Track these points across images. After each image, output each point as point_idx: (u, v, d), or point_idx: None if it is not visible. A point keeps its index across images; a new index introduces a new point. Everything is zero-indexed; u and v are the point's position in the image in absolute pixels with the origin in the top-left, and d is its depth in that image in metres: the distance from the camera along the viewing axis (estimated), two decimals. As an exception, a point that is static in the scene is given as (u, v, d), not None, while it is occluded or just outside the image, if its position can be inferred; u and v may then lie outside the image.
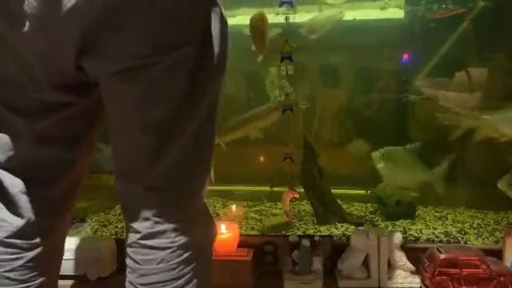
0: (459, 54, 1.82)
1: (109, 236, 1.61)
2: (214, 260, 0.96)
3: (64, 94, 0.74)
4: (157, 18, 0.65)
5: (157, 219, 0.73)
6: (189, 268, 0.74)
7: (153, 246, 0.73)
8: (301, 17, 1.83)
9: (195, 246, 0.75)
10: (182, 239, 0.73)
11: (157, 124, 0.70)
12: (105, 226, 1.71)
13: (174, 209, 0.74)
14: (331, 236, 1.48)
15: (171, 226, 0.73)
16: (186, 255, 0.74)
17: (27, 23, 0.63)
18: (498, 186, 1.50)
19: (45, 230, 0.81)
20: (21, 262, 0.78)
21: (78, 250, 1.35)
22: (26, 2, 0.61)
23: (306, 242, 1.30)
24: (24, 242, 0.78)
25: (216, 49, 0.71)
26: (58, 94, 0.73)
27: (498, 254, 1.32)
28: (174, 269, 0.73)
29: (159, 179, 0.73)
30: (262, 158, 1.93)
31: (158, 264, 0.72)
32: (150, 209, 0.73)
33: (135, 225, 0.75)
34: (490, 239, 1.53)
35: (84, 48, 0.66)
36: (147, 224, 0.73)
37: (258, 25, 1.40)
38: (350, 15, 1.89)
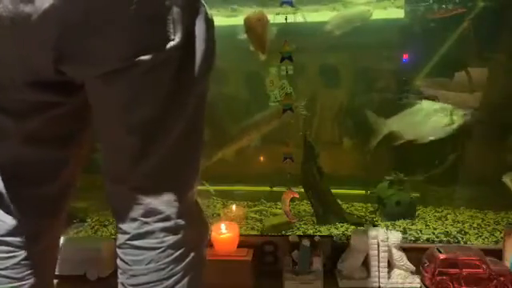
0: (459, 53, 1.82)
1: (109, 236, 1.61)
2: (214, 260, 0.96)
3: (46, 95, 0.73)
4: (139, 19, 0.65)
5: (145, 220, 0.73)
6: (178, 268, 0.73)
7: (142, 247, 0.73)
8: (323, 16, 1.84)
9: (185, 245, 0.75)
10: (170, 239, 0.73)
11: (143, 124, 0.70)
12: (105, 225, 1.72)
13: (161, 209, 0.73)
14: (331, 236, 1.48)
15: (159, 226, 0.73)
16: (175, 255, 0.73)
17: (2, 25, 0.63)
18: (503, 180, 1.51)
19: (39, 229, 0.81)
20: (15, 261, 0.78)
21: (78, 250, 1.35)
22: (1, 5, 0.61)
23: (306, 242, 1.30)
24: (18, 240, 0.79)
25: (201, 48, 0.71)
26: (39, 94, 0.73)
27: (498, 254, 1.32)
28: (163, 269, 0.72)
29: (146, 179, 0.73)
30: (261, 158, 1.93)
31: (147, 264, 0.72)
32: (138, 209, 0.73)
33: (124, 226, 0.75)
34: (490, 239, 1.54)
35: (65, 52, 0.65)
36: (135, 225, 0.74)
37: (254, 25, 1.40)
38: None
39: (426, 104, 1.70)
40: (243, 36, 1.43)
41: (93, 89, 0.72)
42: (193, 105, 0.73)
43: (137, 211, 0.73)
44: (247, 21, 1.40)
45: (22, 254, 0.79)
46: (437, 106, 1.69)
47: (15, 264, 0.78)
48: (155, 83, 0.69)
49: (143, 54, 0.66)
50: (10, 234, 0.78)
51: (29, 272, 0.80)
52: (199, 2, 0.72)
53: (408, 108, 1.72)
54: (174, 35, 0.67)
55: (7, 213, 0.78)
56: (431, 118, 1.68)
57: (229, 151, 1.77)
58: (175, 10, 0.67)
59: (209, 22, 0.73)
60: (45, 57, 0.66)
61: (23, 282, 0.79)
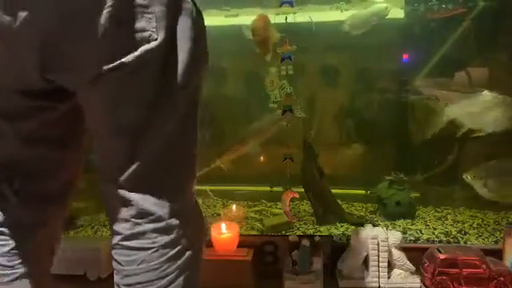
0: (459, 53, 1.82)
1: (109, 236, 1.61)
2: (214, 260, 0.96)
3: (36, 101, 0.74)
4: (116, 21, 0.64)
5: (136, 220, 0.73)
6: (172, 268, 0.73)
7: (134, 247, 0.73)
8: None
9: (179, 245, 0.74)
10: (162, 239, 0.73)
11: (130, 126, 0.70)
12: (105, 225, 1.71)
13: (152, 210, 0.73)
14: (331, 236, 1.48)
15: (150, 227, 0.73)
16: (168, 255, 0.73)
17: None
18: (463, 177, 1.51)
19: (34, 223, 0.82)
20: (6, 249, 0.80)
21: (78, 250, 1.35)
22: None
23: (306, 242, 1.30)
24: (12, 231, 0.80)
25: (186, 47, 0.70)
26: (28, 101, 0.74)
27: (498, 254, 1.32)
28: (156, 269, 0.72)
29: (136, 180, 0.73)
30: (262, 158, 1.93)
31: (139, 265, 0.72)
32: (129, 210, 0.73)
33: (117, 226, 0.75)
34: (490, 239, 1.54)
35: (48, 60, 0.66)
36: (127, 225, 0.73)
37: (257, 27, 1.40)
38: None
39: (486, 95, 1.64)
40: (243, 36, 1.43)
41: (81, 93, 0.72)
42: (183, 105, 0.72)
43: (128, 212, 0.73)
44: (252, 24, 1.41)
45: (14, 243, 0.80)
46: (499, 97, 1.63)
47: (7, 252, 0.80)
48: (140, 84, 0.68)
49: (125, 56, 0.65)
50: (4, 224, 0.80)
51: (20, 261, 0.80)
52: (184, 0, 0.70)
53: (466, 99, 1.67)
54: (157, 34, 0.67)
55: (3, 202, 0.80)
56: (492, 110, 1.62)
57: (226, 160, 1.77)
58: (157, 8, 0.66)
59: (197, 20, 0.72)
60: (31, 65, 0.66)
61: (14, 271, 0.80)
